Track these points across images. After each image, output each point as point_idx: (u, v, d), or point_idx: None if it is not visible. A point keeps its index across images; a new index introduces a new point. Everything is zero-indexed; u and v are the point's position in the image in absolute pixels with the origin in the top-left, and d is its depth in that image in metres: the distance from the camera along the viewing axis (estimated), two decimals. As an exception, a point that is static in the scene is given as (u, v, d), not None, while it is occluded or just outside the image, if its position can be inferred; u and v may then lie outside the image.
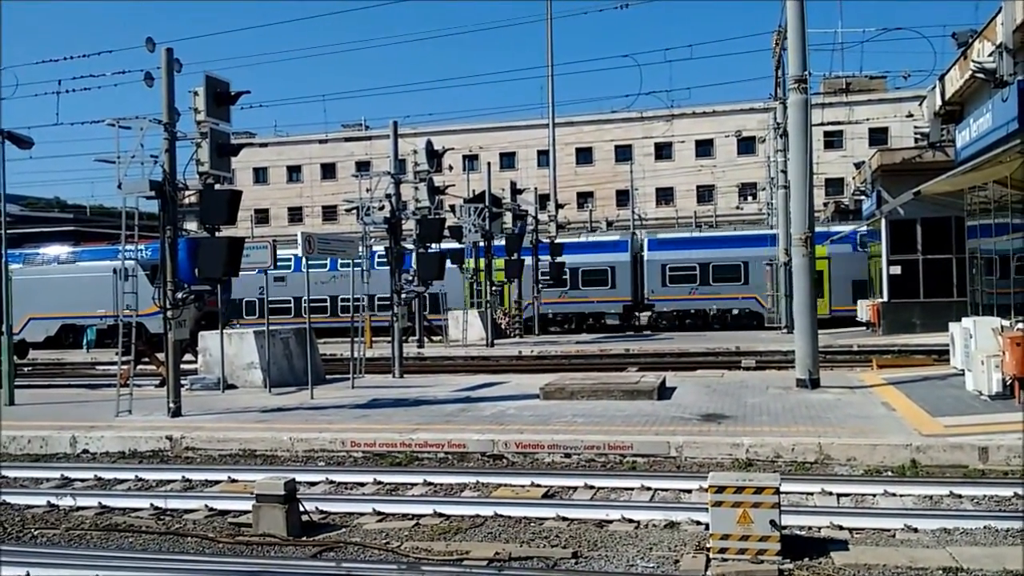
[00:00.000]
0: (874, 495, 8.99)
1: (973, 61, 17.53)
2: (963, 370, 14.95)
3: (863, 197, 35.97)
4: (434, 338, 35.70)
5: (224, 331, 19.32)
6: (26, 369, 28.65)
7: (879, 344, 27.14)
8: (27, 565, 6.95)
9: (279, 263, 22.96)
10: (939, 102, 22.73)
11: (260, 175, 75.18)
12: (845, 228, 37.26)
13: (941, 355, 20.17)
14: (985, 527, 7.72)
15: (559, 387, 15.70)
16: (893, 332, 29.68)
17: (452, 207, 32.84)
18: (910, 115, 42.51)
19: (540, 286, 37.51)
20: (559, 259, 36.95)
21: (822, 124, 46.82)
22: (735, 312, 38.16)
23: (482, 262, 33.01)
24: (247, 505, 8.59)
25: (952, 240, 29.15)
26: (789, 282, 26.93)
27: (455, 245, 31.87)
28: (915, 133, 31.95)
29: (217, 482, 10.61)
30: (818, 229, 37.66)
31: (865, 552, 7.11)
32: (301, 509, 8.34)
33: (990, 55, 16.76)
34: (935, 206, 25.99)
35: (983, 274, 21.94)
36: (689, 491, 9.35)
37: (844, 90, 50.20)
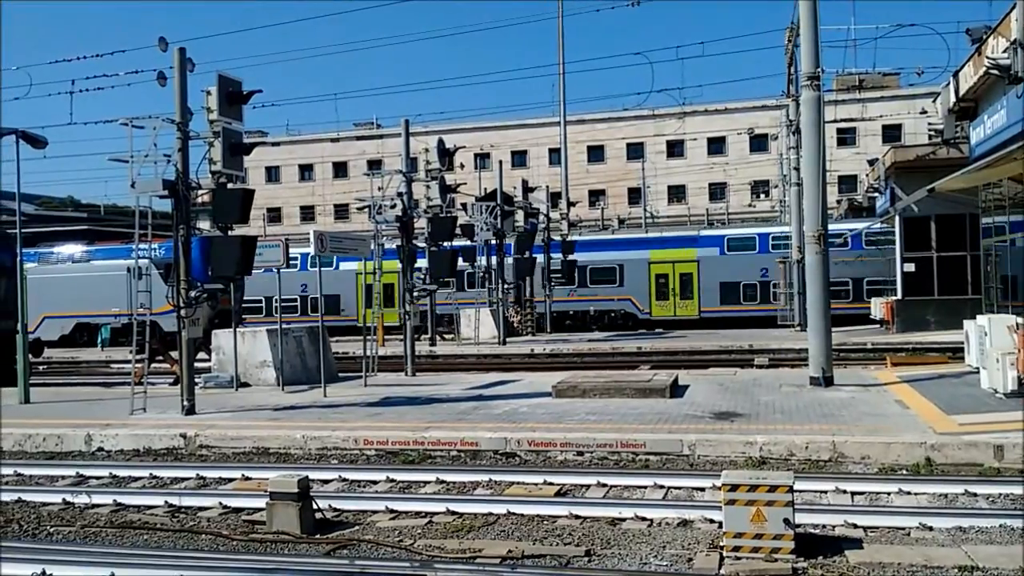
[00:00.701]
0: (889, 493, 8.95)
1: (987, 57, 17.45)
2: (978, 368, 14.87)
3: (877, 194, 35.86)
4: (446, 336, 35.75)
5: (237, 329, 19.39)
6: (41, 367, 28.85)
7: (893, 342, 27.01)
8: (43, 562, 6.99)
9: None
10: (953, 99, 22.63)
11: (272, 174, 75.36)
12: (859, 225, 37.13)
13: (956, 353, 20.06)
14: (1001, 525, 7.67)
15: (571, 385, 15.68)
16: (907, 330, 29.54)
17: (464, 205, 32.85)
18: (924, 112, 42.24)
19: (552, 284, 37.52)
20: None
21: (835, 121, 46.61)
22: (612, 314, 39.55)
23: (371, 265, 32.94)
24: (261, 503, 8.62)
25: (967, 237, 28.99)
26: (802, 280, 26.87)
27: (467, 243, 31.91)
28: (929, 130, 31.74)
29: (231, 480, 10.65)
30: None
31: (880, 551, 7.08)
32: (314, 507, 8.36)
33: (1004, 51, 16.68)
34: (949, 203, 25.88)
35: (998, 271, 21.83)
36: (702, 489, 9.33)
37: (857, 87, 49.83)
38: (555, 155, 60.98)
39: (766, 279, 37.23)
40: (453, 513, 8.68)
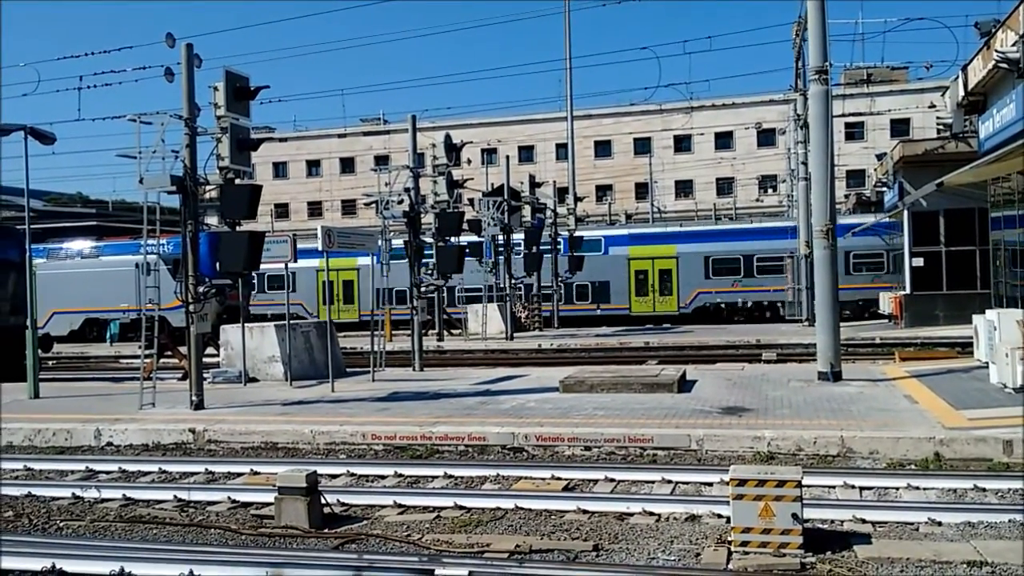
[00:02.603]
0: (897, 488, 8.94)
1: (996, 51, 17.38)
2: (987, 362, 14.83)
3: (885, 189, 35.75)
4: (454, 331, 35.78)
5: (245, 325, 19.43)
6: (51, 363, 28.95)
7: (902, 337, 26.95)
8: (53, 556, 7.02)
9: None
10: (962, 92, 22.54)
11: (280, 169, 75.51)
12: (867, 220, 37.03)
13: (965, 348, 20.03)
14: (1010, 520, 7.64)
15: (579, 380, 15.68)
16: (916, 325, 29.44)
17: (471, 201, 32.83)
18: (932, 106, 42.18)
19: (559, 279, 37.50)
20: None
21: (843, 115, 46.52)
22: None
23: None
24: (269, 497, 8.64)
25: (976, 231, 28.88)
26: (810, 274, 26.81)
27: (474, 238, 31.91)
28: (938, 124, 31.68)
29: (240, 474, 10.68)
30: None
31: (888, 546, 7.07)
32: (323, 501, 8.38)
33: (1014, 45, 16.61)
34: (958, 197, 25.76)
35: (1007, 266, 21.75)
36: (710, 484, 9.32)
37: (865, 81, 49.74)
38: (562, 150, 60.95)
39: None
40: (461, 508, 8.69)
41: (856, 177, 59.20)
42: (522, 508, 8.56)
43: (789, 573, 6.54)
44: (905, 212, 30.28)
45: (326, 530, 8.05)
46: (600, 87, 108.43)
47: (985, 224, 26.44)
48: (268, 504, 8.68)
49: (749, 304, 38.77)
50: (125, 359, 28.95)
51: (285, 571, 6.68)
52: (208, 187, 15.60)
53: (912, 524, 7.70)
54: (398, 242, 23.44)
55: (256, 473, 10.63)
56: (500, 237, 32.38)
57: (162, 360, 19.91)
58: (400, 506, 8.87)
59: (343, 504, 8.95)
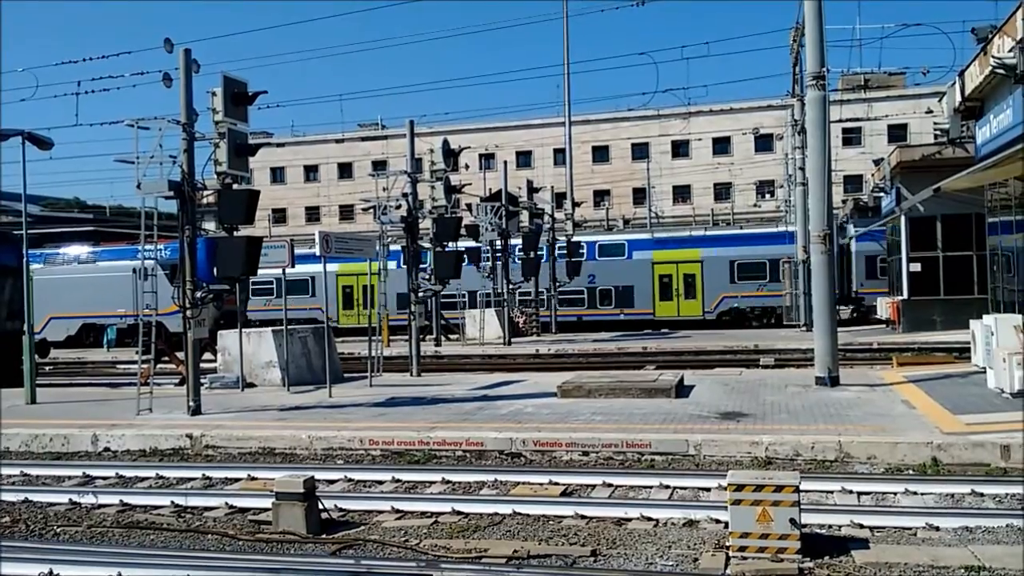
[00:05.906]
0: (895, 493, 8.93)
1: (993, 57, 17.41)
2: (984, 368, 14.84)
3: (882, 194, 35.79)
4: (451, 336, 35.76)
5: (243, 330, 19.41)
6: (48, 368, 28.89)
7: (899, 342, 26.95)
8: (50, 562, 7.00)
9: None
10: (959, 98, 22.56)
11: (277, 175, 75.51)
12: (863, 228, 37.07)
13: (962, 353, 20.01)
14: (1007, 525, 7.65)
15: (577, 385, 15.68)
16: (913, 330, 29.47)
17: (469, 206, 32.82)
18: (929, 111, 42.20)
19: (557, 284, 37.49)
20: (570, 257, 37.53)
21: (840, 121, 46.49)
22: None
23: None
24: (267, 503, 8.63)
25: (973, 237, 28.92)
26: (807, 280, 26.82)
27: (472, 244, 31.92)
28: (935, 129, 31.68)
29: (237, 480, 10.67)
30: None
31: (886, 551, 7.07)
32: (320, 507, 8.37)
33: (1010, 51, 16.64)
34: (955, 203, 25.81)
35: (1004, 271, 21.79)
36: (708, 489, 9.32)
37: (863, 86, 49.80)
38: (560, 155, 61.07)
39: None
40: (459, 513, 8.69)
41: (854, 182, 59.28)
42: (520, 513, 8.56)
43: (787, 578, 6.54)
44: (902, 217, 30.32)
45: (323, 535, 8.04)
46: (598, 92, 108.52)
47: (982, 229, 26.50)
48: (265, 509, 8.67)
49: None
50: (122, 364, 28.91)
51: (282, 577, 6.66)
52: (206, 192, 15.59)
53: (910, 529, 7.71)
54: (395, 247, 23.45)
55: (253, 478, 10.62)
56: (498, 242, 32.38)
57: (159, 365, 19.90)
58: (398, 511, 8.86)
59: (341, 509, 8.94)
